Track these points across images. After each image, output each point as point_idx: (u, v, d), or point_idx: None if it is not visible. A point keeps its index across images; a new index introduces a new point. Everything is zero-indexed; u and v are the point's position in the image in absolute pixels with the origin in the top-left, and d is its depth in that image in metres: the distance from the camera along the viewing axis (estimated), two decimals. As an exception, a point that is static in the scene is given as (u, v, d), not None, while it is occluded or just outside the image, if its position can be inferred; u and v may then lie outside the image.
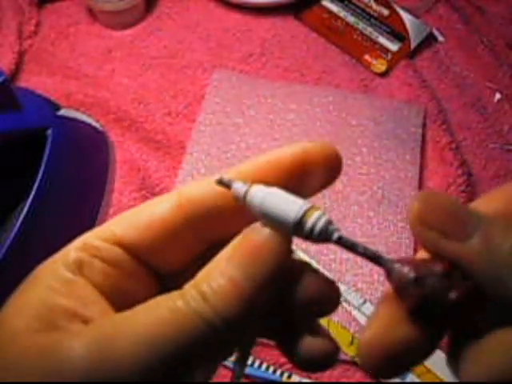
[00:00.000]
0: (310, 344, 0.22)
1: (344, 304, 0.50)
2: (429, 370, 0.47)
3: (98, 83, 0.65)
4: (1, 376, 0.19)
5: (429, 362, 0.47)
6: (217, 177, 0.21)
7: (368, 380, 0.48)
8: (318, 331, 0.22)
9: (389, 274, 0.19)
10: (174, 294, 0.20)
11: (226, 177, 0.21)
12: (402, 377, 0.47)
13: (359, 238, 0.53)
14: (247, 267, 0.20)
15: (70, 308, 0.20)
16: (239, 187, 0.21)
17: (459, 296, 0.18)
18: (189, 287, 0.20)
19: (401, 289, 0.19)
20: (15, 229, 0.45)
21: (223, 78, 0.64)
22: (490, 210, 0.19)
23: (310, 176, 0.22)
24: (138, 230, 0.21)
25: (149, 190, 0.57)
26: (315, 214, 0.20)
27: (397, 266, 0.19)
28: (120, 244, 0.22)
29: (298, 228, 0.20)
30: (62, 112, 0.55)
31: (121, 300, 0.21)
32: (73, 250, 0.22)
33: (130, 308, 0.20)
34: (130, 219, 0.22)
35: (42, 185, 0.47)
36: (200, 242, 0.23)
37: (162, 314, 0.19)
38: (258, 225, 0.21)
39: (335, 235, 0.20)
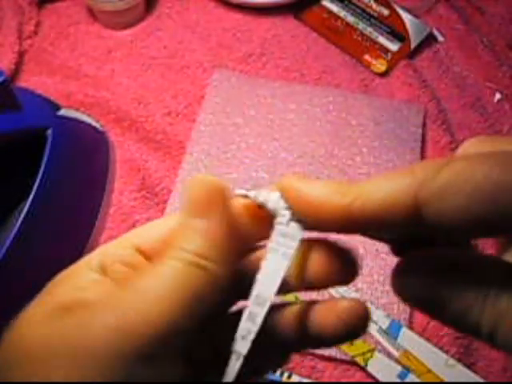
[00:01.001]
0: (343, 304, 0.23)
1: (344, 304, 0.50)
2: (429, 370, 0.47)
3: (98, 83, 0.65)
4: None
5: (429, 362, 0.47)
6: (237, 192, 0.24)
7: (368, 380, 0.48)
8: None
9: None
10: (163, 256, 0.22)
11: (241, 191, 0.24)
12: (402, 377, 0.47)
13: (359, 238, 0.53)
14: (197, 212, 0.22)
15: (91, 299, 0.21)
16: (261, 194, 0.23)
17: None
18: (169, 249, 0.22)
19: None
20: (15, 229, 0.45)
21: (223, 78, 0.64)
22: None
23: None
24: (154, 239, 0.24)
25: (149, 190, 0.57)
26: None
27: None
28: (138, 250, 0.24)
29: None
30: (62, 112, 0.55)
31: None
32: (95, 256, 0.24)
33: None
34: (147, 230, 0.25)
35: (41, 185, 0.47)
36: None
37: (163, 274, 0.21)
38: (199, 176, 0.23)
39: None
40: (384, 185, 0.19)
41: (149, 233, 0.24)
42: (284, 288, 0.23)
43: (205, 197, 0.22)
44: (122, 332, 0.20)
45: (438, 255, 0.20)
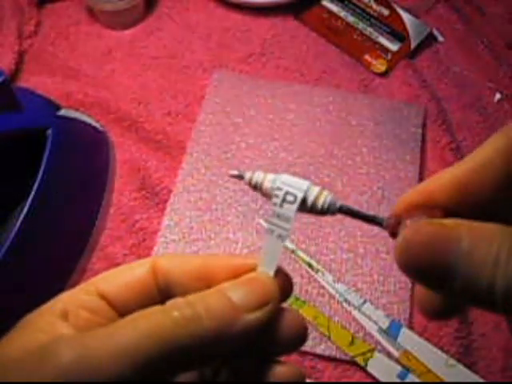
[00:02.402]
0: (281, 373, 0.25)
1: (344, 304, 0.50)
2: (429, 370, 0.47)
3: (98, 83, 0.65)
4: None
5: (429, 362, 0.47)
6: (231, 172, 0.25)
7: (368, 380, 0.48)
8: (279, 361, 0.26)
9: (384, 226, 0.23)
10: (155, 307, 0.23)
11: (235, 171, 0.25)
12: (402, 377, 0.47)
13: (359, 238, 0.53)
14: (246, 293, 0.23)
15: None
16: (256, 175, 0.25)
17: None
18: (178, 299, 0.23)
19: (390, 233, 0.23)
20: (15, 229, 0.45)
21: (223, 78, 0.64)
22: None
23: None
24: (117, 288, 0.25)
25: (149, 190, 0.57)
26: (317, 189, 0.24)
27: (388, 219, 0.23)
28: (102, 296, 0.25)
29: (304, 201, 0.24)
30: (62, 112, 0.55)
31: None
32: (60, 301, 0.24)
33: None
34: (112, 278, 0.25)
35: (41, 185, 0.47)
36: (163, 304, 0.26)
37: (140, 326, 0.21)
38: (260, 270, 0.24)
39: (338, 203, 0.24)
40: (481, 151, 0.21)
41: (115, 279, 0.25)
42: None
43: (267, 295, 0.23)
44: (75, 376, 0.20)
45: (442, 223, 0.20)
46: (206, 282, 0.25)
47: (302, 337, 0.25)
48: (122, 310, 0.25)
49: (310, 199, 0.24)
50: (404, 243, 0.20)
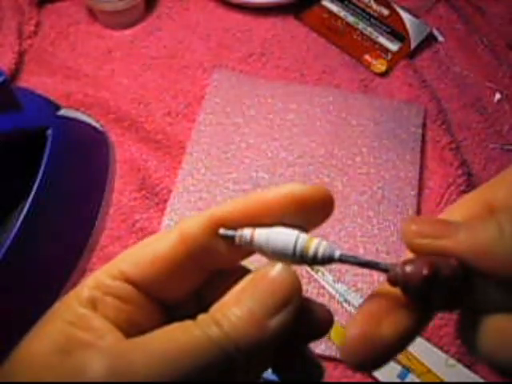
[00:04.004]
0: (309, 369, 0.25)
1: (344, 304, 0.50)
2: (429, 370, 0.47)
3: (98, 83, 0.65)
4: None
5: (429, 362, 0.47)
6: (221, 231, 0.23)
7: (368, 380, 0.48)
8: (309, 356, 0.25)
9: (386, 273, 0.22)
10: (189, 322, 0.21)
11: (223, 231, 0.23)
12: (402, 377, 0.47)
13: (359, 238, 0.53)
14: (264, 299, 0.21)
15: (86, 339, 0.21)
16: (244, 235, 0.23)
17: (429, 272, 0.20)
18: (204, 317, 0.21)
19: (394, 282, 0.21)
20: (15, 229, 0.45)
21: (223, 78, 0.64)
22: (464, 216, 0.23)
23: (299, 217, 0.23)
24: (143, 267, 0.23)
25: (149, 190, 0.57)
26: (315, 242, 0.22)
27: (390, 265, 0.22)
28: (128, 281, 0.23)
29: (302, 256, 0.22)
30: (62, 112, 0.55)
31: (133, 332, 0.23)
32: (86, 288, 0.23)
33: None
34: (135, 257, 0.24)
35: (41, 185, 0.47)
36: (200, 273, 0.24)
37: (177, 339, 0.20)
38: (269, 263, 0.23)
39: (337, 253, 0.22)
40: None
41: (138, 257, 0.24)
42: None
43: (289, 296, 0.22)
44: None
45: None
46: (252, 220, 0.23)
47: (329, 322, 0.25)
48: (150, 290, 0.23)
49: (309, 254, 0.22)
50: (411, 222, 0.22)
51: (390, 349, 0.22)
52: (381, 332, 0.22)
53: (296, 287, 0.22)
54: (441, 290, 0.21)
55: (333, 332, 0.49)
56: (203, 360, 0.20)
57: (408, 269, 0.21)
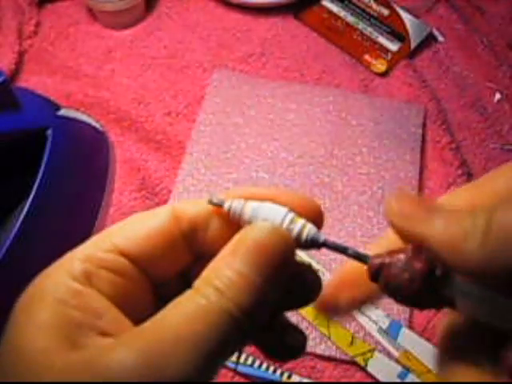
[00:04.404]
0: (291, 337, 0.25)
1: (344, 304, 0.50)
2: (429, 370, 0.47)
3: (98, 83, 0.65)
4: None
5: (429, 362, 0.47)
6: (213, 199, 0.23)
7: (368, 380, 0.48)
8: (290, 323, 0.25)
9: (366, 265, 0.22)
10: (190, 293, 0.21)
11: (215, 199, 0.23)
12: (402, 377, 0.47)
13: (359, 238, 0.53)
14: (253, 261, 0.21)
15: (85, 322, 0.20)
16: (235, 204, 0.23)
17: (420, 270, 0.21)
18: (202, 284, 0.21)
19: (374, 278, 0.22)
20: (15, 229, 0.45)
21: (223, 78, 0.64)
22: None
23: None
24: (138, 241, 0.23)
25: (149, 190, 0.57)
26: (301, 221, 0.23)
27: (372, 258, 0.22)
28: (122, 254, 0.22)
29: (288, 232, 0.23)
30: (62, 112, 0.55)
31: (128, 307, 0.22)
32: (78, 261, 0.22)
33: (138, 314, 0.22)
34: (128, 230, 0.23)
35: (41, 185, 0.47)
36: (189, 254, 0.24)
37: (190, 314, 0.20)
38: (257, 223, 0.22)
39: (322, 237, 0.23)
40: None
41: (132, 231, 0.23)
42: None
43: (275, 252, 0.21)
44: (140, 372, 0.19)
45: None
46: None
47: (318, 285, 0.25)
48: (145, 265, 0.23)
49: (294, 233, 0.22)
50: (393, 203, 0.22)
51: (344, 313, 0.25)
52: (338, 302, 0.24)
53: (286, 246, 0.22)
54: (414, 295, 0.21)
55: (333, 332, 0.49)
56: (218, 328, 0.20)
57: (391, 271, 0.21)
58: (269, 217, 0.22)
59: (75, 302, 0.21)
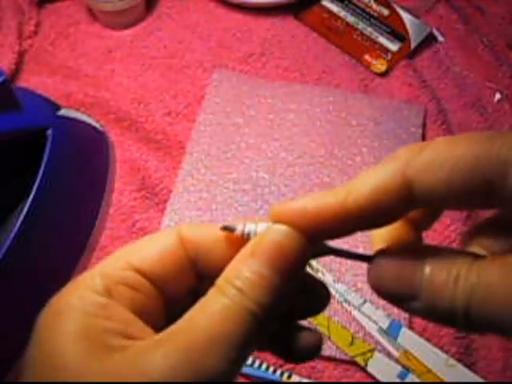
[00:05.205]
0: (306, 338, 0.25)
1: (344, 304, 0.50)
2: (429, 370, 0.47)
3: (98, 83, 0.65)
4: None
5: (429, 362, 0.47)
6: (222, 225, 0.25)
7: (368, 380, 0.48)
8: (303, 326, 0.26)
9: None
10: (214, 293, 0.22)
11: (226, 224, 0.25)
12: (402, 377, 0.47)
13: (359, 238, 0.53)
14: (272, 263, 0.22)
15: (115, 328, 0.22)
16: (248, 226, 0.24)
17: None
18: (225, 285, 0.22)
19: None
20: (15, 229, 0.45)
21: (223, 78, 0.64)
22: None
23: None
24: (151, 261, 0.24)
25: (149, 190, 0.57)
26: None
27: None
28: (137, 271, 0.24)
29: None
30: (62, 112, 0.55)
31: (144, 319, 0.23)
32: (98, 277, 0.23)
33: (152, 326, 0.23)
34: (140, 252, 0.24)
35: (41, 185, 0.47)
36: (196, 274, 0.25)
37: (217, 314, 0.21)
38: (274, 226, 0.23)
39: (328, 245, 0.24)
40: (373, 173, 0.22)
41: (144, 252, 0.24)
42: None
43: (290, 253, 0.23)
44: (176, 369, 0.20)
45: (407, 248, 0.22)
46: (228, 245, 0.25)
47: (326, 297, 0.26)
48: (158, 283, 0.24)
49: None
50: (374, 273, 0.22)
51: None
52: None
53: (300, 247, 0.23)
54: None
55: (333, 332, 0.49)
56: (243, 327, 0.21)
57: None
58: None
59: (102, 312, 0.22)
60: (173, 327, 0.22)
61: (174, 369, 0.20)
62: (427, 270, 0.21)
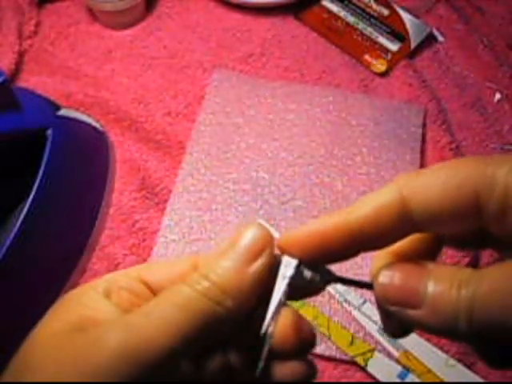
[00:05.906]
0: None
1: (344, 304, 0.50)
2: (429, 370, 0.47)
3: (98, 83, 0.65)
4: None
5: (429, 362, 0.47)
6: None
7: (368, 380, 0.48)
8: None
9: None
10: (179, 283, 0.23)
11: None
12: (402, 377, 0.47)
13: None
14: (242, 251, 0.24)
15: (99, 319, 0.23)
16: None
17: None
18: (192, 275, 0.23)
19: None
20: (15, 229, 0.45)
21: (223, 78, 0.64)
22: None
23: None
24: (160, 277, 0.26)
25: (149, 190, 0.57)
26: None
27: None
28: (144, 282, 0.26)
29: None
30: (62, 112, 0.55)
31: None
32: (102, 281, 0.25)
33: None
34: (156, 268, 0.27)
35: (41, 185, 0.47)
36: None
37: (175, 302, 0.22)
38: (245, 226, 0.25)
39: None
40: (373, 195, 0.23)
41: (159, 269, 0.26)
42: None
43: (258, 244, 0.24)
44: (128, 353, 0.21)
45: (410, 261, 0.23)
46: None
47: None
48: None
49: (308, 276, 0.26)
50: (381, 287, 0.23)
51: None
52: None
53: (267, 241, 0.24)
54: None
55: (333, 332, 0.49)
56: (200, 314, 0.22)
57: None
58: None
59: (94, 305, 0.24)
60: (131, 313, 0.23)
61: (111, 351, 0.21)
62: (432, 277, 0.21)
